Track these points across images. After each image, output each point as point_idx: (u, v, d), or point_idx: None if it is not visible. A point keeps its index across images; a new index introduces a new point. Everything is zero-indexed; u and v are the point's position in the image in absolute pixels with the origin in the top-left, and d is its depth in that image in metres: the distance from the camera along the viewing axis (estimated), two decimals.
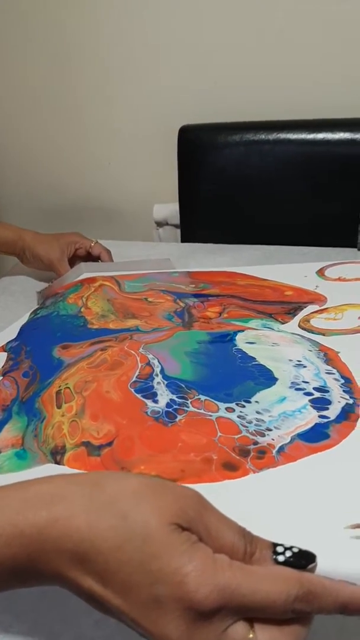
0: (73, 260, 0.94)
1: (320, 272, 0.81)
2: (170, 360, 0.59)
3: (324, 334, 0.61)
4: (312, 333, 0.62)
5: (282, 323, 0.66)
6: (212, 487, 0.39)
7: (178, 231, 1.23)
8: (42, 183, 1.21)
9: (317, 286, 0.76)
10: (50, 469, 0.44)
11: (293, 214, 1.13)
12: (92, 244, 0.95)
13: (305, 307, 0.69)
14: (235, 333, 0.64)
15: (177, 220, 1.21)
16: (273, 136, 1.10)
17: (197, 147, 1.15)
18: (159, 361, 0.59)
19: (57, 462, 0.44)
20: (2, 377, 0.62)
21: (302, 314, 0.67)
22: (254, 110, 1.17)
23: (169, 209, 1.25)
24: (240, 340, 0.62)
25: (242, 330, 0.64)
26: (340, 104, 1.12)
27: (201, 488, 0.35)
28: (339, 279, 0.77)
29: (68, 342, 0.68)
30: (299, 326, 0.64)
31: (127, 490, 0.29)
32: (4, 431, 0.50)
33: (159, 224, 1.27)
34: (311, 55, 1.14)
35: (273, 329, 0.64)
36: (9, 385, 0.60)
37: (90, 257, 0.96)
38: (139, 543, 0.27)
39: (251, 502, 0.38)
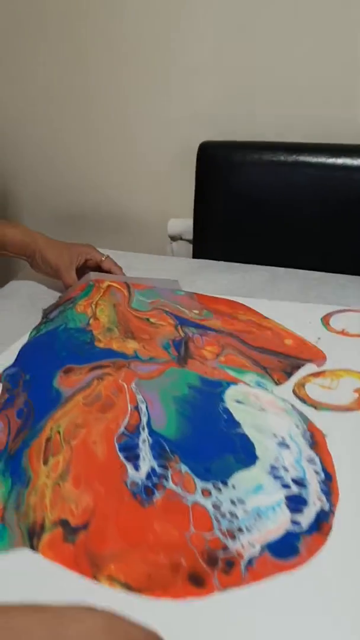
0: (82, 271, 0.94)
1: (325, 320, 0.80)
2: (158, 406, 0.61)
3: (315, 407, 0.60)
4: (305, 403, 0.61)
5: (277, 384, 0.65)
6: (176, 604, 0.39)
7: (191, 246, 1.22)
8: (58, 190, 1.20)
9: (319, 338, 0.75)
10: (25, 556, 0.45)
11: (305, 237, 1.12)
12: (103, 258, 0.94)
13: (302, 366, 0.69)
14: (228, 385, 0.64)
15: (191, 236, 1.20)
16: (292, 158, 1.08)
17: (216, 164, 1.13)
18: (147, 407, 0.60)
19: (33, 547, 0.45)
20: None
21: (298, 375, 0.67)
22: (275, 130, 1.15)
23: (184, 224, 1.23)
24: (229, 397, 0.62)
25: (235, 383, 0.65)
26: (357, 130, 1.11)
27: (165, 604, 0.36)
28: (343, 332, 0.76)
29: (72, 363, 0.70)
30: (293, 392, 0.64)
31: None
32: None
33: (173, 238, 1.26)
34: (335, 79, 1.12)
35: (266, 389, 0.64)
36: (2, 427, 0.61)
37: (100, 271, 0.95)
38: None
39: (213, 625, 0.38)
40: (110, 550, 0.44)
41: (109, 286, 0.90)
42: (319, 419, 0.59)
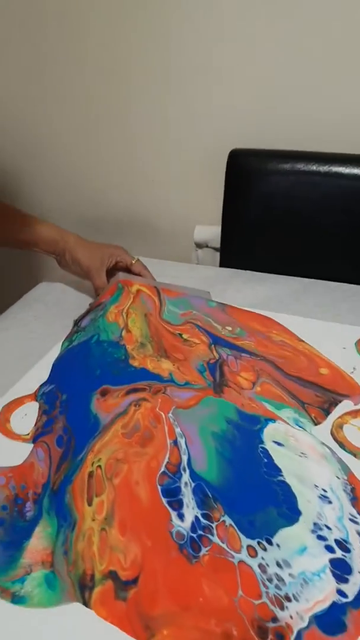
0: (112, 274, 0.93)
1: (359, 345, 0.80)
2: (198, 442, 0.61)
3: (355, 455, 0.61)
4: (344, 449, 0.62)
5: (316, 423, 0.66)
6: None
7: (217, 254, 1.21)
8: (83, 195, 1.18)
9: (354, 368, 0.75)
10: (77, 611, 0.46)
11: (336, 249, 1.10)
12: (134, 261, 0.93)
13: (340, 402, 0.69)
14: (266, 423, 0.65)
15: (217, 244, 1.18)
16: (324, 168, 1.06)
17: (246, 172, 1.11)
18: (186, 443, 0.60)
19: (85, 602, 0.47)
20: (34, 442, 0.63)
21: (335, 414, 0.67)
22: (307, 140, 1.13)
23: (211, 231, 1.21)
24: (268, 437, 0.63)
25: (273, 420, 0.65)
26: None
27: None
28: None
29: (107, 384, 0.70)
30: (331, 433, 0.64)
31: None
32: (34, 537, 0.52)
33: (199, 246, 1.24)
34: None
35: (305, 429, 0.65)
36: (42, 456, 0.61)
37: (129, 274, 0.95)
38: None
39: None
40: (161, 611, 0.45)
41: (138, 291, 0.89)
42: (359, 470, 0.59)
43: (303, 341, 0.80)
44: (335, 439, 0.64)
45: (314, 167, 1.06)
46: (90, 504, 0.55)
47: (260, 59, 1.13)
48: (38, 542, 0.52)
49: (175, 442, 0.61)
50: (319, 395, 0.70)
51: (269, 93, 1.15)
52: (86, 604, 0.47)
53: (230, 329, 0.82)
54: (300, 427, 0.65)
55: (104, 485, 0.56)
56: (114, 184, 1.35)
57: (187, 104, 1.22)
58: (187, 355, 0.76)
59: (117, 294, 0.88)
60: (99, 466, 0.59)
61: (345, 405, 0.69)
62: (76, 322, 0.86)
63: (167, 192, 1.26)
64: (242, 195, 1.12)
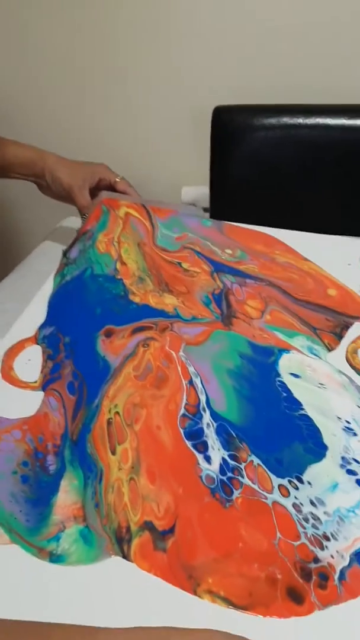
0: (95, 194, 0.87)
1: None
2: (214, 381, 0.60)
3: None
4: None
5: (330, 349, 0.65)
6: (281, 623, 0.42)
7: (206, 215, 1.15)
8: (67, 154, 1.08)
9: None
10: (119, 565, 0.46)
11: (327, 202, 1.07)
12: (118, 179, 0.87)
13: (351, 325, 0.68)
14: (280, 354, 0.63)
15: (206, 204, 1.14)
16: (311, 120, 1.03)
17: (232, 129, 1.07)
18: (202, 383, 0.59)
19: (125, 555, 0.46)
20: (45, 390, 0.61)
21: (348, 338, 0.66)
22: (292, 92, 1.09)
23: (199, 191, 1.18)
24: (284, 369, 0.62)
25: (287, 350, 0.64)
26: None
27: (271, 623, 0.39)
28: None
29: (111, 324, 0.67)
30: (347, 359, 0.63)
31: None
32: (62, 491, 0.51)
33: None
34: (352, 37, 1.06)
35: (320, 357, 0.64)
36: (56, 405, 0.59)
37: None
38: None
39: None
40: (203, 559, 0.46)
41: (127, 215, 0.84)
42: None
43: (308, 260, 0.77)
44: (351, 365, 0.63)
45: (301, 120, 1.04)
46: (114, 453, 0.53)
47: (242, 14, 1.08)
48: (66, 497, 0.51)
49: (191, 382, 0.59)
50: (330, 319, 0.69)
51: (250, 47, 1.11)
52: (126, 557, 0.46)
53: (230, 252, 0.79)
54: (315, 354, 0.64)
55: (125, 432, 0.55)
56: (96, 148, 1.26)
57: (168, 62, 1.17)
58: (190, 287, 0.73)
59: (103, 219, 0.83)
60: (117, 412, 0.57)
61: (358, 328, 0.68)
62: (65, 253, 0.81)
63: (151, 154, 1.21)
64: (229, 153, 1.09)
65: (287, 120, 1.04)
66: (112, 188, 0.88)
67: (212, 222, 0.85)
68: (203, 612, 0.42)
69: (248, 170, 1.05)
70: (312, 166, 1.05)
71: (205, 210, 1.13)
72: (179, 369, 0.61)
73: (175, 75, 1.18)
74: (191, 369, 0.61)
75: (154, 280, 0.73)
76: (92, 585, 0.45)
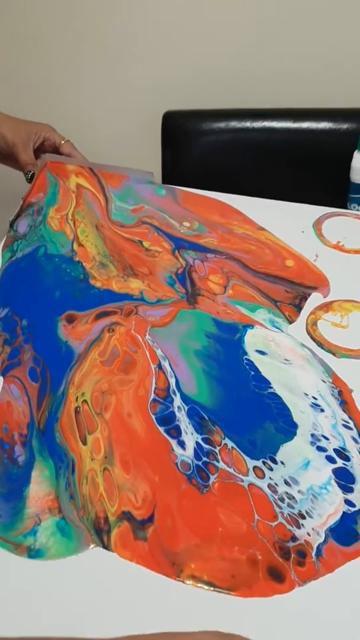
0: (37, 155, 0.83)
1: (318, 229, 0.78)
2: (182, 364, 0.59)
3: (334, 354, 0.62)
4: (323, 348, 0.63)
5: (290, 322, 0.65)
6: (264, 602, 0.43)
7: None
8: None
9: (316, 255, 0.74)
10: (99, 555, 0.46)
11: None
12: (63, 142, 0.83)
13: (309, 296, 0.69)
14: (245, 330, 0.64)
15: None
16: (258, 124, 1.07)
17: (182, 133, 1.09)
18: (171, 366, 0.59)
19: (105, 545, 0.46)
20: (3, 377, 0.59)
21: (307, 310, 0.67)
22: (240, 97, 1.12)
23: None
24: (250, 346, 0.62)
25: (251, 326, 0.64)
26: (325, 94, 1.09)
27: (255, 603, 0.40)
28: (338, 246, 0.76)
29: (72, 309, 0.65)
30: (308, 332, 0.64)
31: None
32: (33, 482, 0.50)
33: None
34: (297, 43, 1.08)
35: (282, 330, 0.64)
36: (18, 394, 0.57)
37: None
38: None
39: (304, 621, 0.42)
40: (184, 545, 0.46)
41: (79, 188, 0.79)
42: (341, 369, 0.61)
43: (264, 229, 0.77)
44: (312, 338, 0.64)
45: (248, 124, 1.07)
46: (85, 443, 0.53)
47: (190, 19, 1.10)
48: (39, 488, 0.50)
49: (160, 366, 0.59)
50: (289, 290, 0.69)
51: (199, 53, 1.13)
52: (106, 547, 0.46)
53: (188, 224, 0.77)
54: (277, 327, 0.65)
55: (95, 421, 0.54)
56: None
57: (117, 68, 1.18)
58: (153, 268, 0.71)
59: (52, 192, 0.79)
60: (85, 400, 0.56)
61: (315, 299, 0.69)
62: (12, 224, 0.77)
63: (101, 159, 1.15)
64: (180, 156, 1.11)
65: (235, 124, 1.07)
66: (56, 150, 0.84)
67: (166, 191, 0.82)
68: (189, 596, 0.43)
69: (198, 174, 1.05)
70: (260, 168, 1.09)
71: None
72: (147, 353, 0.60)
73: (124, 81, 1.19)
74: (159, 352, 0.60)
75: (118, 266, 0.71)
76: (76, 578, 0.45)
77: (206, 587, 0.44)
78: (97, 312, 0.64)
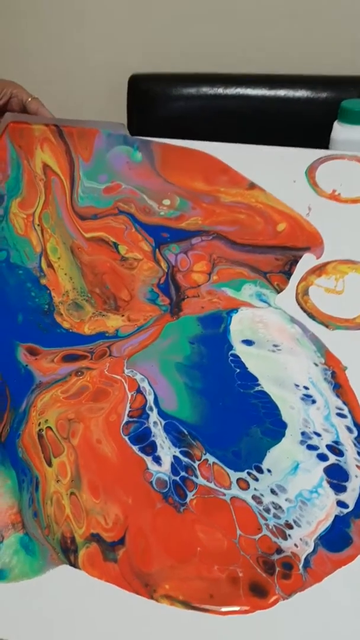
0: (2, 113, 0.78)
1: (311, 176, 0.70)
2: (162, 381, 0.54)
3: (327, 326, 0.56)
4: (314, 320, 0.56)
5: (279, 291, 0.59)
6: (246, 621, 0.39)
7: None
8: None
9: (309, 208, 0.66)
10: (66, 573, 0.43)
11: None
12: (30, 99, 0.77)
13: (300, 257, 0.62)
14: (229, 316, 0.58)
15: None
16: (231, 90, 1.01)
17: (149, 97, 1.03)
18: (150, 384, 0.54)
19: (72, 563, 0.43)
20: None
21: (297, 275, 0.60)
22: (212, 61, 1.05)
23: None
24: (236, 336, 0.56)
25: (235, 310, 0.58)
26: (303, 59, 1.03)
27: (235, 622, 0.37)
28: (333, 195, 0.67)
29: (34, 343, 0.59)
30: (298, 303, 0.58)
31: None
32: None
33: None
34: (274, 4, 1.02)
35: (269, 303, 0.58)
36: None
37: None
38: None
39: (286, 633, 0.39)
40: (158, 567, 0.43)
41: (47, 172, 0.72)
42: (335, 343, 0.54)
43: (254, 187, 0.69)
44: (303, 309, 0.57)
45: (221, 90, 1.01)
46: (50, 465, 0.49)
47: None
48: (1, 501, 0.47)
49: (138, 390, 0.53)
50: (279, 257, 0.62)
51: (168, 11, 1.07)
52: (74, 565, 0.43)
53: (168, 202, 0.69)
54: (264, 301, 0.59)
55: (61, 445, 0.50)
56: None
57: (83, 29, 1.13)
58: (132, 288, 0.63)
59: (14, 176, 0.72)
60: (49, 427, 0.52)
61: (307, 262, 0.62)
62: None
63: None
64: (147, 123, 1.04)
65: (207, 90, 1.01)
66: (23, 109, 0.79)
67: (142, 152, 0.74)
68: (164, 615, 0.40)
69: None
70: (233, 139, 0.97)
71: None
72: (126, 385, 0.54)
73: (89, 42, 1.13)
74: (138, 377, 0.55)
75: (97, 302, 0.63)
76: (42, 599, 0.42)
77: (182, 606, 0.41)
78: (63, 354, 0.58)
